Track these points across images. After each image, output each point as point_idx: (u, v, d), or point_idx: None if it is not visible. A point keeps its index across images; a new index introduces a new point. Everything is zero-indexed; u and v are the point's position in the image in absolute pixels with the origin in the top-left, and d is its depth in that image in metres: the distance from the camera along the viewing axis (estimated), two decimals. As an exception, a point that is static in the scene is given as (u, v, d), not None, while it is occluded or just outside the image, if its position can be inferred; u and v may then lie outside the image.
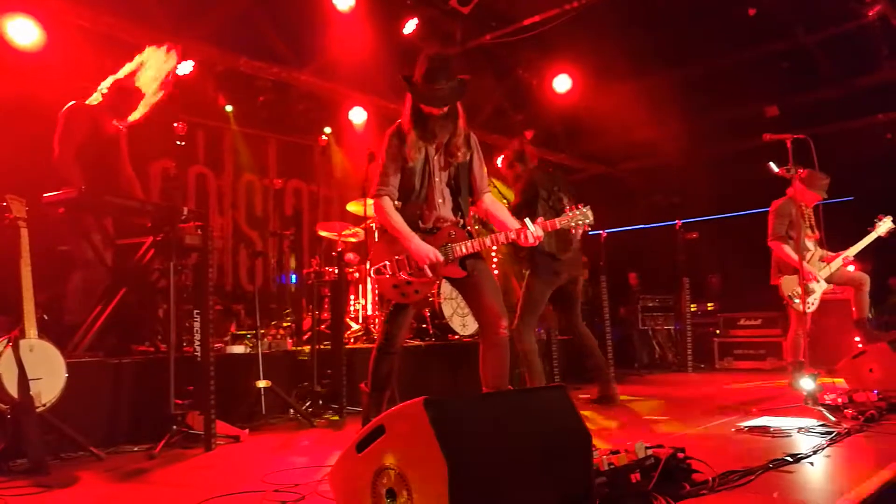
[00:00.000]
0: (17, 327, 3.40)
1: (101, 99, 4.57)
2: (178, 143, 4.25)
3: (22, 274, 3.44)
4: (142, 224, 4.43)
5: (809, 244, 5.62)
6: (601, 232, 7.16)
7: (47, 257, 4.20)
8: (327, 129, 7.75)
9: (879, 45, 7.41)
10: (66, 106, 4.51)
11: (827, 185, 5.59)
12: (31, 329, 3.39)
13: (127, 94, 4.59)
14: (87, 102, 4.58)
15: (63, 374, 3.45)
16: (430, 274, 3.37)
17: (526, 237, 3.37)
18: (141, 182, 4.98)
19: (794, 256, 5.37)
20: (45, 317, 4.20)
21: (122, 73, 4.64)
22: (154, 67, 4.66)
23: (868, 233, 5.70)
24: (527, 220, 3.40)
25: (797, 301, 5.45)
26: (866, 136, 8.68)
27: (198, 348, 3.90)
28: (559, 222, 3.49)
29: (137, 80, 4.64)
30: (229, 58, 6.63)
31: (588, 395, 5.31)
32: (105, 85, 4.60)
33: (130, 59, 4.77)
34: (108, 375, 3.94)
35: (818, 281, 5.58)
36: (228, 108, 7.48)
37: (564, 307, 5.38)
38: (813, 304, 5.52)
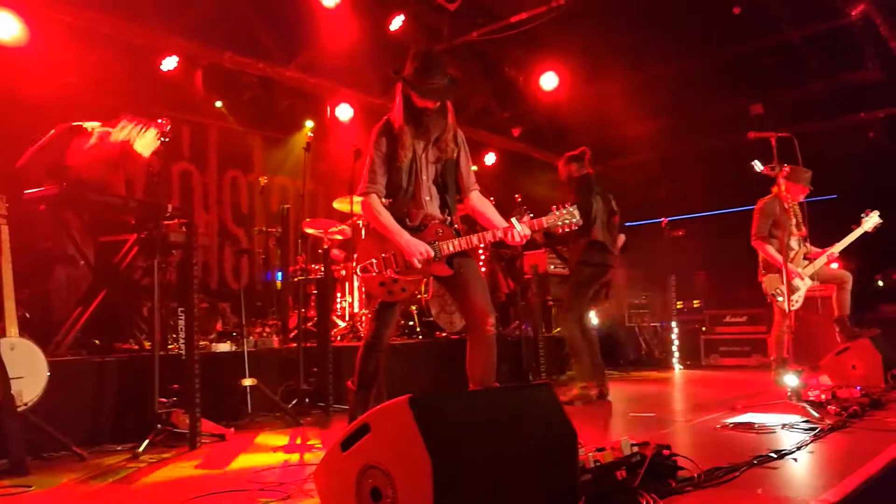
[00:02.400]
0: (-2, 325, 3.36)
1: (98, 142, 4.43)
2: (163, 139, 4.21)
3: (2, 271, 3.40)
4: (125, 221, 4.38)
5: (794, 242, 5.66)
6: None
7: (29, 254, 4.15)
8: (309, 123, 7.71)
9: (863, 44, 7.47)
10: (62, 126, 4.41)
11: (810, 178, 5.64)
12: (12, 327, 3.35)
13: (130, 159, 4.49)
14: (83, 128, 4.46)
15: (45, 373, 3.41)
16: (418, 267, 3.36)
17: (513, 236, 3.38)
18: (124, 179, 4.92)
19: (777, 256, 5.43)
20: (27, 315, 4.15)
21: (122, 136, 4.45)
22: (149, 137, 4.50)
23: (853, 229, 5.76)
24: (513, 220, 3.40)
25: (781, 299, 5.49)
26: (850, 134, 8.76)
27: (183, 346, 3.87)
28: (546, 221, 3.48)
29: (135, 145, 4.47)
30: (214, 53, 6.58)
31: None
32: (111, 134, 4.43)
33: (114, 56, 4.71)
34: (92, 374, 3.90)
35: (802, 279, 5.63)
36: (218, 103, 7.41)
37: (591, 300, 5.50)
38: (797, 301, 5.57)
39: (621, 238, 5.62)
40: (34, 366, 3.39)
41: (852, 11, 6.88)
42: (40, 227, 4.29)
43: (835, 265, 5.91)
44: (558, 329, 7.41)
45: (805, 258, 5.72)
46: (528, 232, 3.41)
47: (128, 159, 4.50)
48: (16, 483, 2.97)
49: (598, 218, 5.28)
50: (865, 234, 5.77)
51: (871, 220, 5.74)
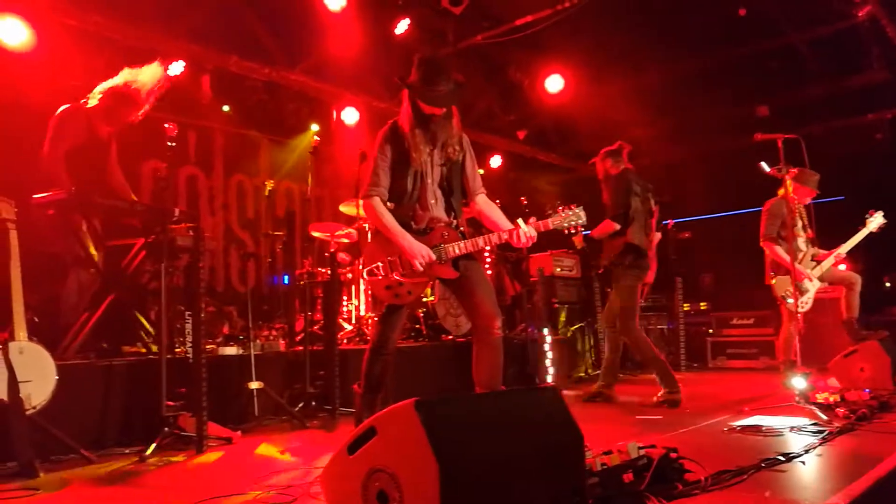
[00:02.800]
0: (7, 330, 3.37)
1: (96, 102, 4.51)
2: (169, 143, 4.23)
3: (11, 276, 3.42)
4: (132, 225, 4.40)
5: (802, 244, 5.64)
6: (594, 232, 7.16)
7: (38, 259, 4.17)
8: (314, 127, 7.73)
9: (869, 45, 7.45)
10: (62, 108, 4.47)
11: (818, 181, 5.62)
12: (21, 331, 3.37)
13: (123, 100, 4.52)
14: (82, 104, 4.53)
15: (53, 377, 3.43)
16: (420, 270, 3.36)
17: (519, 237, 3.38)
18: (131, 183, 4.95)
19: (786, 257, 5.41)
20: (36, 319, 4.17)
21: (118, 80, 4.55)
22: (148, 76, 4.61)
23: (859, 231, 5.73)
24: (519, 221, 3.41)
25: (790, 301, 5.47)
26: (856, 135, 8.72)
27: (190, 350, 3.88)
28: (552, 222, 3.49)
29: (134, 85, 4.57)
30: (220, 57, 6.60)
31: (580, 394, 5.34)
32: (101, 89, 4.54)
33: (120, 59, 4.74)
34: (99, 377, 3.91)
35: (811, 280, 5.61)
36: (225, 107, 7.44)
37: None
38: (807, 303, 5.54)
39: (657, 236, 5.50)
40: (43, 370, 3.40)
41: (859, 13, 6.86)
42: (49, 231, 4.32)
43: (842, 266, 5.88)
44: (567, 330, 7.41)
45: (813, 260, 5.70)
46: (534, 233, 3.41)
47: (116, 103, 4.51)
48: (24, 486, 2.99)
49: (636, 219, 5.18)
50: (871, 235, 5.74)
51: (876, 221, 5.72)
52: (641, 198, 5.25)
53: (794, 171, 5.23)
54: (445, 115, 3.43)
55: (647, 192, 5.33)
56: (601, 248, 5.36)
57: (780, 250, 5.55)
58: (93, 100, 4.53)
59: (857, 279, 5.65)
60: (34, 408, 3.33)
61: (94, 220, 4.49)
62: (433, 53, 3.50)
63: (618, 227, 5.15)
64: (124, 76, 4.57)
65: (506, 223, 3.49)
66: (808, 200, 5.68)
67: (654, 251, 5.47)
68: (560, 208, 3.53)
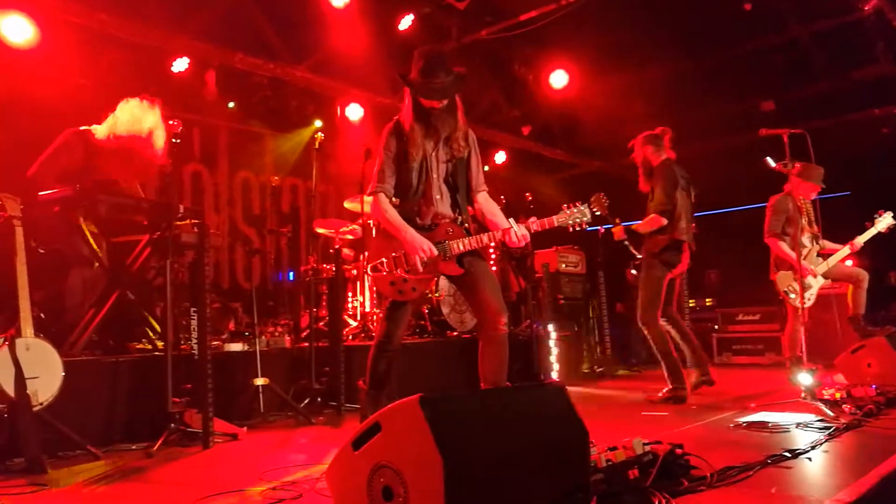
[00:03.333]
0: (14, 326, 3.39)
1: (110, 142, 4.36)
2: (174, 140, 4.23)
3: (17, 272, 3.43)
4: (138, 222, 4.41)
5: (806, 240, 5.61)
6: (599, 228, 7.14)
7: (44, 256, 4.18)
8: (317, 123, 7.72)
9: (875, 39, 7.40)
10: (69, 131, 4.38)
11: (822, 175, 5.58)
12: (28, 328, 3.38)
13: (138, 155, 4.38)
14: (89, 133, 4.42)
15: (60, 373, 3.44)
16: (420, 268, 3.36)
17: (510, 237, 3.38)
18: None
19: (791, 253, 5.40)
20: (42, 315, 4.18)
21: (126, 126, 4.36)
22: (160, 129, 4.40)
23: (867, 228, 5.71)
24: (511, 220, 3.42)
25: (793, 296, 5.46)
26: (863, 130, 8.68)
27: (195, 346, 3.89)
28: (556, 220, 3.48)
29: (154, 144, 4.37)
30: (224, 54, 6.61)
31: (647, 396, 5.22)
32: (112, 130, 4.36)
33: (124, 56, 4.72)
34: (105, 374, 3.93)
35: (815, 276, 5.59)
36: (230, 104, 7.45)
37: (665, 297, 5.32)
38: (810, 299, 5.52)
39: (693, 228, 5.36)
40: (49, 366, 3.41)
41: (865, 6, 6.82)
42: (54, 228, 4.33)
43: (849, 262, 5.86)
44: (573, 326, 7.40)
45: (819, 255, 5.67)
46: (526, 233, 3.41)
47: (138, 149, 4.37)
48: (32, 482, 3.00)
49: (682, 215, 5.07)
50: (878, 233, 5.72)
51: (885, 221, 5.68)
52: (685, 192, 5.13)
53: (799, 165, 5.21)
54: (447, 108, 3.42)
55: (689, 184, 5.21)
56: (641, 241, 5.18)
57: (784, 246, 5.53)
58: (102, 134, 4.38)
59: (865, 276, 5.63)
60: (41, 404, 3.34)
61: (98, 216, 4.48)
62: (430, 47, 3.49)
63: (665, 222, 5.02)
64: (130, 121, 4.37)
65: (503, 221, 3.48)
66: (813, 195, 5.65)
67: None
68: (565, 205, 3.53)
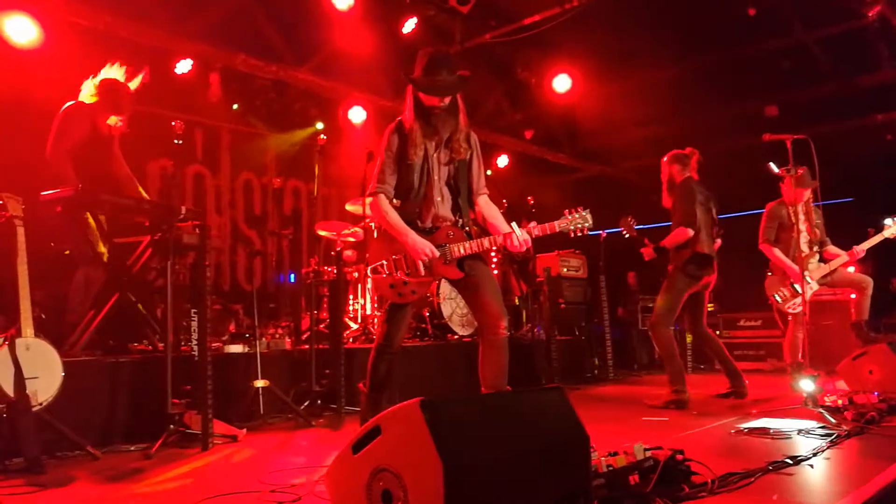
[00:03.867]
0: (14, 326, 3.38)
1: (96, 98, 4.53)
2: (176, 141, 4.23)
3: (18, 272, 3.43)
4: (139, 223, 4.41)
5: (805, 245, 5.60)
6: (600, 232, 7.14)
7: (45, 256, 4.18)
8: (319, 125, 7.73)
9: (879, 45, 7.39)
10: (66, 105, 4.48)
11: (809, 174, 5.55)
12: (28, 328, 3.38)
13: (118, 91, 4.55)
14: (83, 101, 4.54)
15: (60, 373, 3.44)
16: (423, 271, 3.36)
17: (511, 241, 3.37)
18: (139, 181, 4.96)
19: (784, 259, 5.46)
20: (43, 316, 4.18)
21: (105, 75, 4.61)
22: (120, 74, 4.68)
23: (869, 234, 5.69)
24: (513, 225, 3.40)
25: (779, 300, 5.50)
26: (866, 136, 8.66)
27: (195, 347, 3.88)
28: (558, 225, 3.48)
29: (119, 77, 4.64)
30: (227, 56, 6.62)
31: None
32: (93, 83, 4.56)
33: (127, 57, 4.77)
34: (105, 374, 3.92)
35: (807, 283, 5.57)
36: (234, 106, 7.45)
37: (692, 309, 5.44)
38: (799, 305, 5.51)
39: (717, 243, 5.47)
40: (49, 366, 3.41)
41: (869, 12, 6.81)
42: (56, 228, 4.33)
43: (851, 269, 5.84)
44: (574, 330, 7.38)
45: (821, 260, 5.66)
46: (527, 237, 3.40)
47: (113, 95, 4.53)
48: (30, 481, 3.00)
49: (702, 229, 5.17)
50: (884, 240, 5.70)
51: (893, 229, 5.67)
52: (704, 207, 5.24)
53: (801, 171, 5.21)
54: (448, 109, 3.41)
55: (709, 201, 5.32)
56: (668, 256, 5.29)
57: (777, 252, 5.57)
58: (89, 96, 4.54)
59: (869, 282, 5.61)
60: (40, 404, 3.34)
61: (100, 216, 4.50)
62: (435, 48, 3.49)
63: (691, 233, 5.10)
64: (106, 71, 4.63)
65: (504, 225, 3.47)
66: (807, 195, 5.59)
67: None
68: (567, 211, 3.52)
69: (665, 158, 5.44)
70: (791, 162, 4.82)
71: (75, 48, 5.48)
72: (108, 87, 4.54)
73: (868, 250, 5.70)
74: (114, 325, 4.31)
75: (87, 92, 4.55)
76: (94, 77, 4.58)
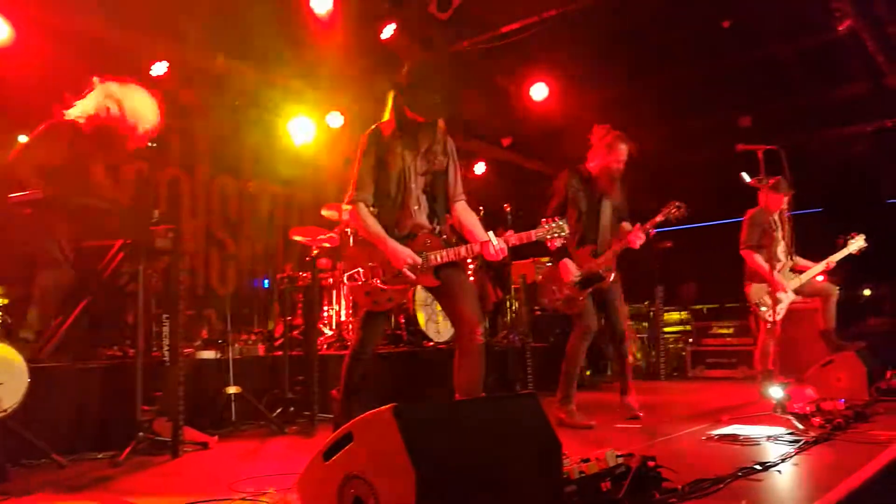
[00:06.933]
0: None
1: (83, 122, 4.19)
2: (151, 144, 4.18)
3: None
4: (111, 226, 4.32)
5: (781, 254, 5.70)
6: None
7: (12, 258, 4.09)
8: (298, 130, 7.68)
9: (851, 58, 7.56)
10: (51, 121, 4.20)
11: (785, 184, 5.65)
12: (-7, 333, 3.31)
13: (112, 135, 4.22)
14: (74, 118, 4.23)
15: (25, 379, 3.35)
16: (410, 276, 3.35)
17: (488, 250, 3.38)
18: (112, 184, 4.85)
19: (765, 266, 5.49)
20: (9, 320, 4.09)
21: (100, 103, 4.20)
22: (139, 103, 4.25)
23: (838, 245, 5.80)
24: (490, 234, 3.41)
25: (763, 309, 5.56)
26: (836, 147, 8.84)
27: (167, 353, 3.83)
28: (535, 234, 3.50)
29: (119, 113, 4.19)
30: (204, 58, 6.56)
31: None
32: (85, 110, 4.19)
33: (102, 59, 4.66)
34: (73, 380, 3.85)
35: (786, 292, 5.67)
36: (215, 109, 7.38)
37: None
38: (779, 313, 5.59)
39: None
40: (14, 372, 3.32)
41: (839, 27, 6.96)
42: (22, 230, 4.22)
43: (820, 278, 5.95)
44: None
45: (791, 270, 5.76)
46: (504, 246, 3.41)
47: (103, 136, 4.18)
48: (-7, 491, 2.93)
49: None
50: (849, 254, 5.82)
51: (857, 244, 5.78)
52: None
53: (772, 181, 5.30)
54: (431, 122, 3.42)
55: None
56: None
57: (759, 259, 5.62)
58: (78, 117, 4.21)
59: (834, 290, 5.73)
60: (5, 411, 3.25)
61: (70, 220, 4.38)
62: (427, 60, 3.49)
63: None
64: (105, 99, 4.19)
65: (481, 233, 3.48)
66: (784, 204, 5.70)
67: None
68: (543, 220, 3.55)
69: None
70: (763, 172, 4.90)
71: (48, 49, 5.39)
72: (103, 128, 4.17)
73: (838, 261, 5.82)
74: (83, 330, 4.22)
75: (82, 111, 4.21)
76: (96, 92, 4.21)
